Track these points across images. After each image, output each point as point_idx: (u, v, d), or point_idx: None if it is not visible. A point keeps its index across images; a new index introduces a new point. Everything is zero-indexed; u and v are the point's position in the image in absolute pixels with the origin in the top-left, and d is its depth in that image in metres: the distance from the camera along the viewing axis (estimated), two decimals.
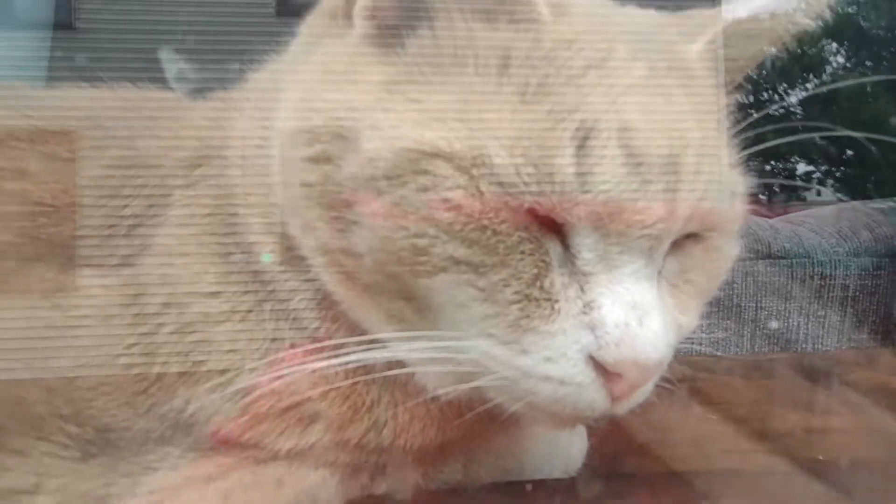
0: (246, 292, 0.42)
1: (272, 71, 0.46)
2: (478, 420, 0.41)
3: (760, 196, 0.48)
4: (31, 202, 0.44)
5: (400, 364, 0.40)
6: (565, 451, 0.51)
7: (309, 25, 0.45)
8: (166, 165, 0.45)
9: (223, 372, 0.41)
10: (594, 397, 0.37)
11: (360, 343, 0.39)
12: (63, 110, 0.49)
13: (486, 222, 0.36)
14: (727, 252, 0.44)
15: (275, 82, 0.44)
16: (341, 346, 0.40)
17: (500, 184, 0.35)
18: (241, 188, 0.43)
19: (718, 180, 0.40)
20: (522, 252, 0.36)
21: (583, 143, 0.36)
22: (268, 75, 0.46)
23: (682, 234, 0.39)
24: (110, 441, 0.42)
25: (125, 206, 0.45)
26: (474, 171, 0.36)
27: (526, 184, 0.36)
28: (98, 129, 0.47)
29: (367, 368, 0.41)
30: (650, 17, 0.47)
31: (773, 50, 0.46)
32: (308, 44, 0.43)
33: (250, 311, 0.42)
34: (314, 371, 0.41)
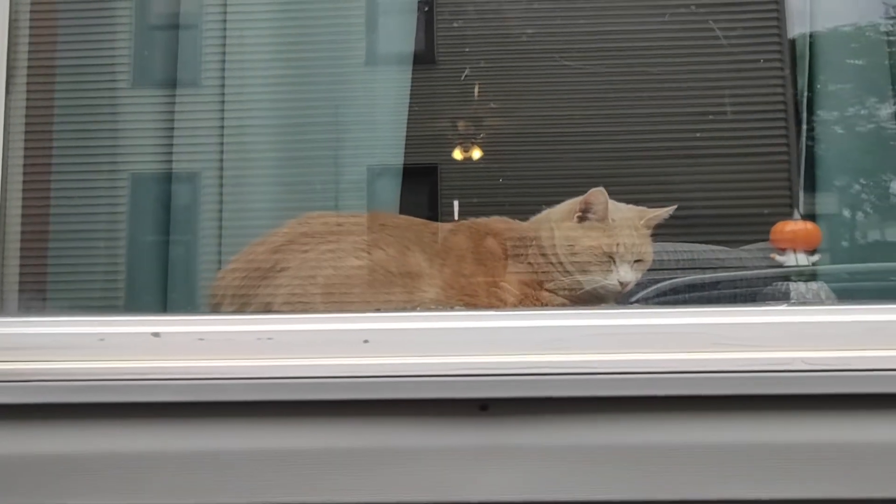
0: None
1: (548, 217, 2.22)
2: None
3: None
4: None
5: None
6: None
7: (559, 211, 2.19)
8: None
9: None
10: (617, 289, 2.09)
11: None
12: None
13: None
14: (646, 266, 2.17)
15: (550, 218, 2.20)
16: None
17: (605, 252, 2.09)
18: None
19: (641, 249, 2.14)
20: (608, 261, 2.10)
21: (617, 248, 2.09)
22: (547, 214, 2.22)
23: (635, 259, 2.11)
24: None
25: None
26: (605, 251, 2.09)
27: (612, 251, 2.10)
28: None
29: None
30: (629, 210, 2.20)
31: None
32: (560, 219, 2.17)
33: None
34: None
